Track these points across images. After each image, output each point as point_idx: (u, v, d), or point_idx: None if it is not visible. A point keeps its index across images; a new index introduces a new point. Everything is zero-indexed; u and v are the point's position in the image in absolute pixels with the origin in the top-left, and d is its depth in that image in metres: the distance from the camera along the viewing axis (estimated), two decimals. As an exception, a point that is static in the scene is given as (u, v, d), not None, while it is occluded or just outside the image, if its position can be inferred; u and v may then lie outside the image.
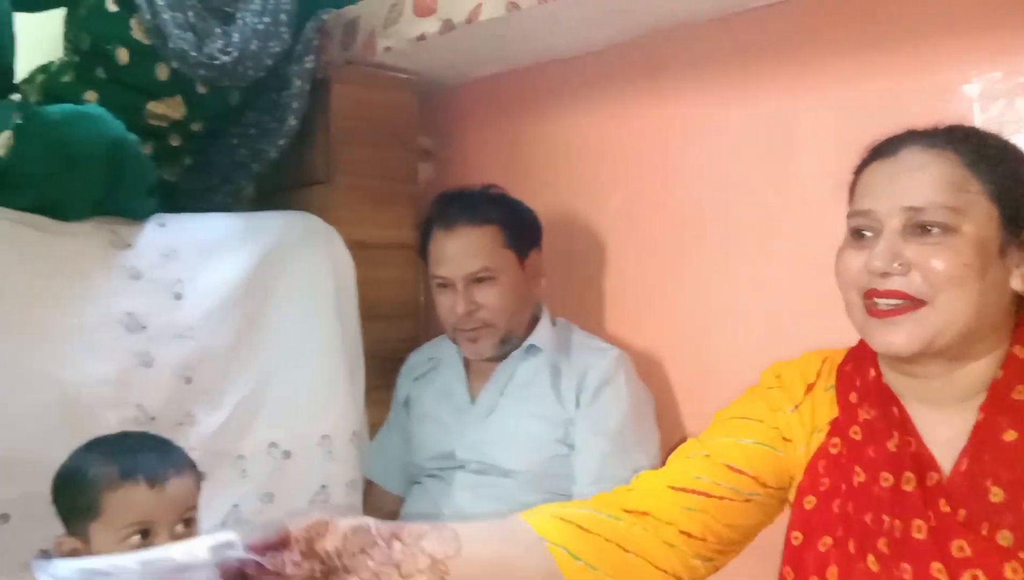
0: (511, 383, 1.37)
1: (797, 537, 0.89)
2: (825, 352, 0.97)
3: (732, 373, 1.05)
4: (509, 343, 1.37)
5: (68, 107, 1.23)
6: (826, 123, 1.26)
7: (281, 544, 0.70)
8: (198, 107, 1.45)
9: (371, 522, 0.74)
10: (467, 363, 1.44)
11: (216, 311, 1.29)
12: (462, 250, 1.34)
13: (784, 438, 0.93)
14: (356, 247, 1.49)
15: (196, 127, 1.48)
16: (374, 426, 1.46)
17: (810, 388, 0.94)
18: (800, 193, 1.28)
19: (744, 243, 1.36)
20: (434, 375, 1.45)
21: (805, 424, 0.93)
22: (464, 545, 0.76)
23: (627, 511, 0.89)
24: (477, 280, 1.34)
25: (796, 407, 0.93)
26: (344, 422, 1.36)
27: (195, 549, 0.65)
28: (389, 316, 1.53)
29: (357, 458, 1.37)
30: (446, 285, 1.36)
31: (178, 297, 1.27)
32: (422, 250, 1.40)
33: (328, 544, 0.70)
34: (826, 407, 0.92)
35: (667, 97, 1.47)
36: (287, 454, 1.29)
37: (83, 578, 0.60)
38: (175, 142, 1.47)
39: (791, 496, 0.93)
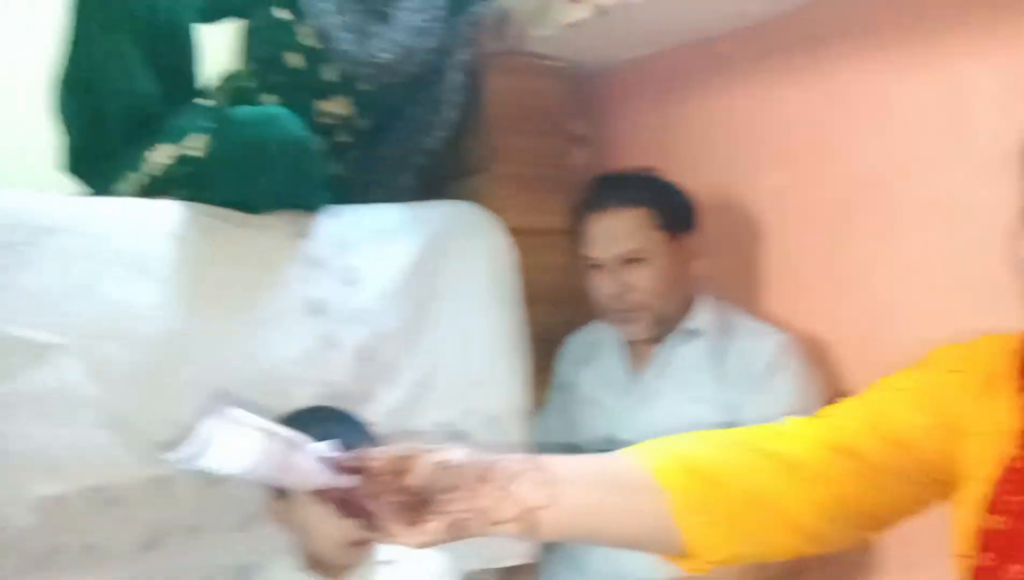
0: (671, 366, 1.38)
1: (987, 558, 0.78)
2: (1004, 338, 0.85)
3: (902, 358, 0.99)
4: (665, 325, 1.38)
5: (257, 109, 1.34)
6: (1009, 90, 1.18)
7: (363, 469, 0.72)
8: (363, 104, 1.53)
9: (461, 458, 0.72)
10: (627, 347, 1.45)
11: (388, 296, 1.37)
12: (612, 231, 1.36)
13: (957, 429, 0.82)
14: (515, 234, 1.53)
15: (362, 123, 1.56)
16: (534, 410, 1.51)
17: (992, 381, 0.83)
18: (977, 168, 1.21)
19: (913, 222, 1.30)
20: (594, 359, 1.48)
21: (984, 423, 0.81)
22: (561, 492, 0.73)
23: (773, 457, 0.81)
24: (627, 261, 1.35)
25: (976, 398, 0.82)
26: (511, 403, 1.41)
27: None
28: (548, 301, 1.56)
29: (523, 439, 1.42)
30: (597, 266, 1.38)
31: (353, 283, 1.36)
32: (575, 233, 1.43)
33: (413, 480, 0.71)
34: (1011, 410, 0.80)
35: (827, 69, 1.42)
36: (458, 433, 1.35)
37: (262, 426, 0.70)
38: (343, 138, 1.56)
39: (951, 496, 0.83)
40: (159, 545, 1.16)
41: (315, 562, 1.09)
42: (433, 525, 0.71)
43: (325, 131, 1.53)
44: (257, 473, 0.71)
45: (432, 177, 1.63)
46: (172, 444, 0.70)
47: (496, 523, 0.71)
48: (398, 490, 0.71)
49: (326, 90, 1.50)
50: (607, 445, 1.37)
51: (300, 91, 1.48)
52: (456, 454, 0.73)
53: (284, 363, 1.26)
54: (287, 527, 1.09)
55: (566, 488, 0.74)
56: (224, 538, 1.20)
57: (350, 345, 1.31)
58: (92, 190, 1.35)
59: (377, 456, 0.72)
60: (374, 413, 1.24)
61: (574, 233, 1.44)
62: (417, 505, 0.71)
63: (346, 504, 0.74)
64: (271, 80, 1.49)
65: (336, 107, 1.51)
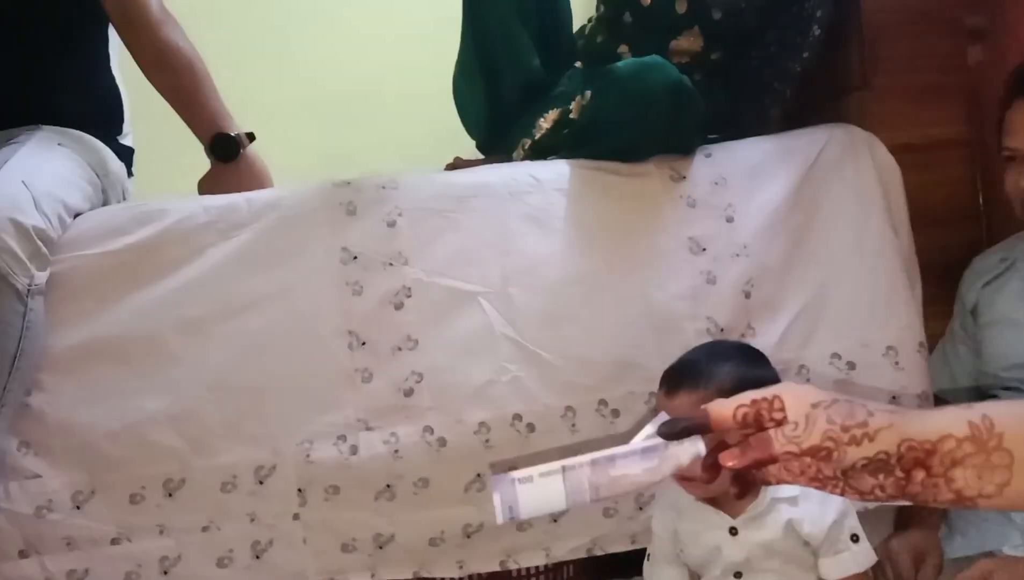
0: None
1: None
2: None
3: None
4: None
5: (634, 61, 1.40)
6: None
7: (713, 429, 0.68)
8: (715, 36, 1.51)
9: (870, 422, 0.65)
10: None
11: (766, 230, 1.36)
12: None
13: None
14: (901, 152, 1.42)
15: (715, 56, 1.54)
16: (932, 339, 1.40)
17: None
18: None
19: None
20: (1008, 277, 1.33)
21: None
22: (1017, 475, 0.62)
23: None
24: None
25: None
26: (908, 333, 1.33)
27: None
28: (944, 222, 1.43)
29: (925, 369, 1.34)
30: (1014, 158, 1.24)
31: (730, 220, 1.37)
32: (998, 125, 1.28)
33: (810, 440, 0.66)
34: None
35: None
36: (851, 364, 1.31)
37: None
38: (697, 76, 1.55)
39: None
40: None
41: (706, 499, 1.12)
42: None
43: (681, 71, 1.55)
44: (580, 502, 0.70)
45: (803, 101, 1.56)
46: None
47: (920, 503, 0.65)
48: (748, 443, 0.69)
49: (678, 25, 1.50)
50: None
51: (652, 32, 1.49)
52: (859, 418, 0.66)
53: (672, 300, 1.32)
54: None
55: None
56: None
57: (729, 280, 1.34)
58: (497, 159, 1.52)
59: (720, 411, 0.70)
60: (762, 347, 1.25)
61: (997, 126, 1.28)
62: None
63: (710, 470, 0.72)
64: (622, 27, 1.53)
65: (688, 43, 1.51)
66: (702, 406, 0.71)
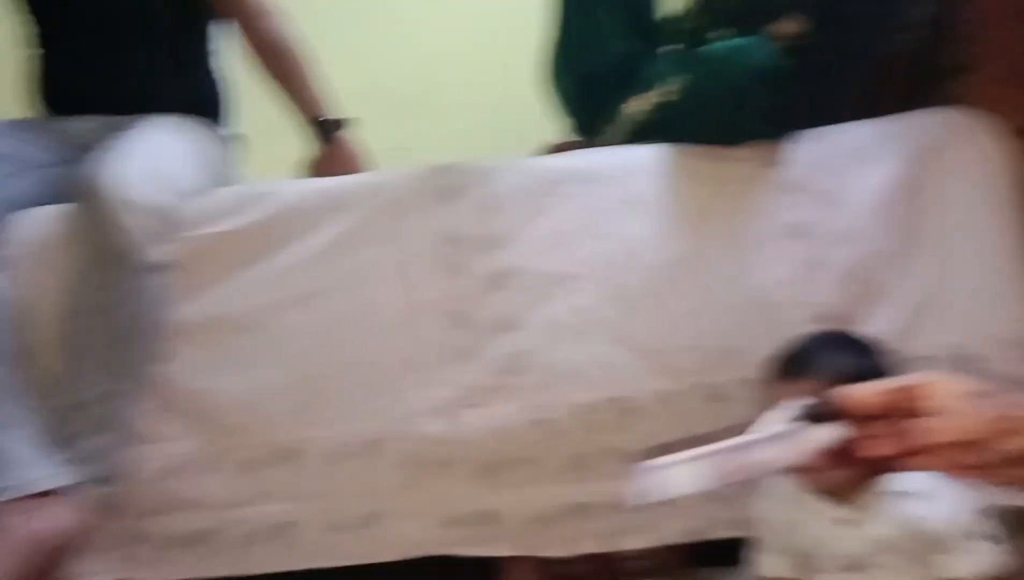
0: None
1: None
2: None
3: None
4: None
5: (726, 44, 1.38)
6: None
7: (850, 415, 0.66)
8: (815, 18, 1.48)
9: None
10: None
11: (871, 215, 1.32)
12: None
13: None
14: (1013, 136, 1.37)
15: (815, 40, 1.50)
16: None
17: None
18: None
19: None
20: None
21: None
22: None
23: None
24: None
25: None
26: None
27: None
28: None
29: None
30: None
31: (835, 205, 1.34)
32: None
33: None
34: None
35: None
36: (970, 358, 1.27)
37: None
38: (797, 59, 1.52)
39: None
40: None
41: (820, 488, 1.09)
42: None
43: (780, 53, 1.52)
44: (714, 487, 0.69)
45: (910, 85, 1.52)
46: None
47: None
48: (899, 431, 0.65)
49: (777, 9, 1.47)
50: None
51: (750, 16, 1.47)
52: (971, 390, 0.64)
53: (771, 286, 1.30)
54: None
55: None
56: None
57: (837, 266, 1.31)
58: (588, 143, 1.52)
59: (864, 396, 0.67)
60: (871, 336, 1.22)
61: None
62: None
63: (839, 457, 0.69)
64: (720, 11, 1.51)
65: (788, 27, 1.48)
66: (837, 392, 0.68)
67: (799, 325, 1.25)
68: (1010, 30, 1.43)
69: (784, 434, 0.70)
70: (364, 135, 1.54)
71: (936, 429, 0.64)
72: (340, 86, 1.54)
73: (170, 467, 1.26)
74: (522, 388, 1.26)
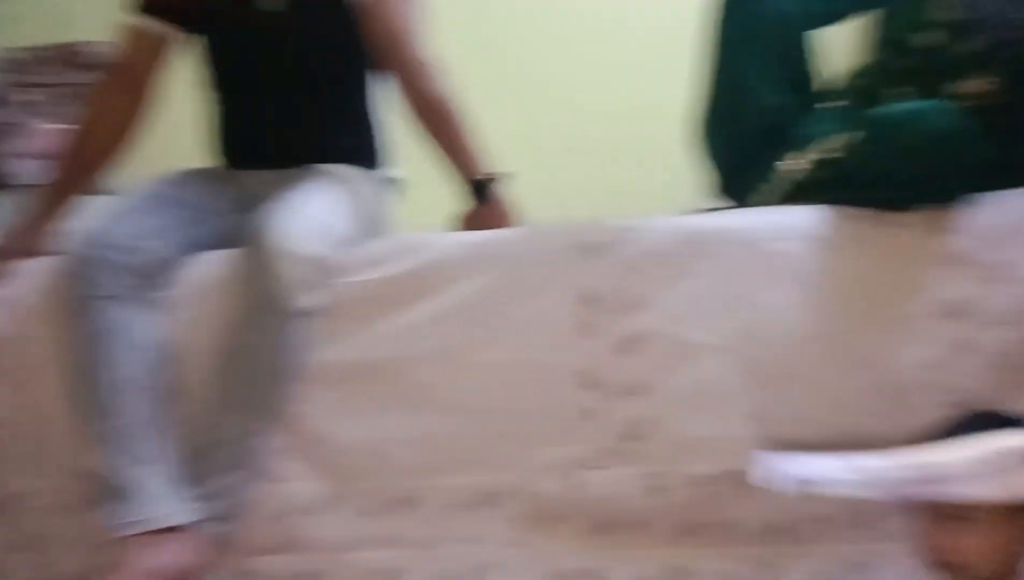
0: None
1: None
2: None
3: None
4: None
5: (901, 107, 1.32)
6: None
7: None
8: (1006, 77, 1.38)
9: None
10: None
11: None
12: None
13: None
14: None
15: (1004, 99, 1.41)
16: None
17: None
18: None
19: None
20: None
21: None
22: None
23: None
24: None
25: None
26: None
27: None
28: None
29: None
30: None
31: (998, 280, 1.25)
32: None
33: None
34: None
35: None
36: None
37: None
38: (982, 119, 1.42)
39: None
40: (783, 531, 1.26)
41: (958, 573, 1.05)
42: None
43: (963, 114, 1.43)
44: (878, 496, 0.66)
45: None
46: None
47: None
48: None
49: (963, 68, 1.39)
50: None
51: (930, 75, 1.39)
52: None
53: (910, 369, 1.24)
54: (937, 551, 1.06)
55: None
56: (841, 532, 1.24)
57: (989, 349, 1.23)
58: (739, 205, 1.50)
59: None
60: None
61: None
62: None
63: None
64: (897, 69, 1.44)
65: (974, 86, 1.39)
66: None
67: (936, 411, 1.19)
68: None
69: (994, 466, 0.64)
70: (516, 186, 1.57)
71: None
72: (494, 136, 1.57)
73: (289, 507, 1.30)
74: (642, 455, 1.27)
